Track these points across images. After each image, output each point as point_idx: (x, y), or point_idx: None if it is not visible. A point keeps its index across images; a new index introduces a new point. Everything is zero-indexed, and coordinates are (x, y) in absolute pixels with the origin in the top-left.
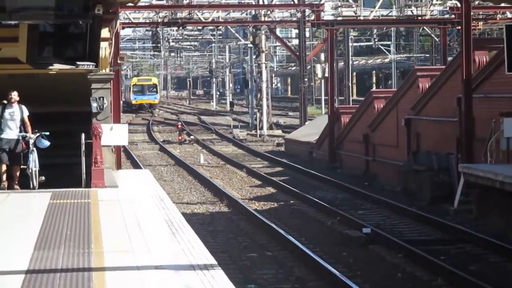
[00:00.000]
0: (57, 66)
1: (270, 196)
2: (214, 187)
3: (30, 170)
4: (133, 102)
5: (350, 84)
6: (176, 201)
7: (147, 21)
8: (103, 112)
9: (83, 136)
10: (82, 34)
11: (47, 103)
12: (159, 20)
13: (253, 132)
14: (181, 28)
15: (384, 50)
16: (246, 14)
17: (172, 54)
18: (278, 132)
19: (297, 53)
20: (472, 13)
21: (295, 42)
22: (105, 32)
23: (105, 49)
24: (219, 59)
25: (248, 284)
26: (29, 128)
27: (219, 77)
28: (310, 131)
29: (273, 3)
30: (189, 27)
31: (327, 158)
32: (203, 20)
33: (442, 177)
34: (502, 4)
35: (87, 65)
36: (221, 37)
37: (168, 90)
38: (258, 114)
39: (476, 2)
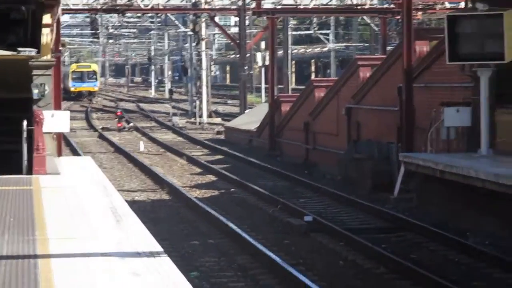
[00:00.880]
0: None
1: (210, 184)
2: (155, 175)
3: None
4: (72, 89)
5: (289, 73)
6: (116, 189)
7: (87, 7)
8: (44, 99)
9: (25, 122)
10: (23, 20)
11: None
12: (99, 7)
13: (193, 120)
14: (120, 14)
15: (323, 39)
16: (186, 1)
17: (111, 41)
18: (218, 120)
19: (237, 41)
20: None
21: (234, 30)
22: (46, 18)
23: (46, 35)
24: (158, 47)
25: (191, 272)
26: None
27: (158, 65)
28: (250, 119)
29: None
30: (128, 14)
31: (267, 146)
32: (143, 7)
33: (383, 166)
34: None
35: (29, 51)
36: (160, 24)
37: (107, 77)
38: (197, 102)
39: None
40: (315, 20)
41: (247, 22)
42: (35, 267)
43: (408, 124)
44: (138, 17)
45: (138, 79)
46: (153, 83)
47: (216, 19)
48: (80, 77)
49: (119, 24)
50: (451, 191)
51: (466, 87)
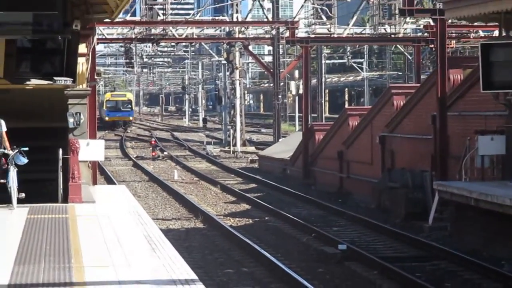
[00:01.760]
0: (34, 82)
1: (244, 213)
2: (189, 203)
3: (10, 188)
4: (106, 119)
5: (323, 101)
6: (151, 217)
7: (121, 37)
8: (80, 128)
9: (60, 151)
10: (59, 49)
11: (22, 118)
12: (134, 36)
13: (227, 148)
14: (154, 44)
15: (357, 68)
16: (220, 31)
17: (145, 70)
18: (252, 148)
19: (271, 70)
20: None
21: (268, 59)
22: (82, 48)
23: (82, 64)
24: (192, 76)
25: None
26: (7, 144)
27: (192, 94)
28: (284, 148)
29: (247, 20)
30: (163, 43)
31: (301, 175)
32: (177, 36)
33: (417, 194)
34: (476, 23)
35: (64, 80)
36: (194, 53)
37: (141, 106)
38: (231, 131)
39: (450, 21)
40: (348, 48)
41: (280, 51)
42: None
43: (442, 152)
44: (172, 46)
45: (172, 108)
46: (187, 112)
47: (250, 48)
48: (115, 106)
49: (153, 53)
50: (486, 220)
51: (500, 115)
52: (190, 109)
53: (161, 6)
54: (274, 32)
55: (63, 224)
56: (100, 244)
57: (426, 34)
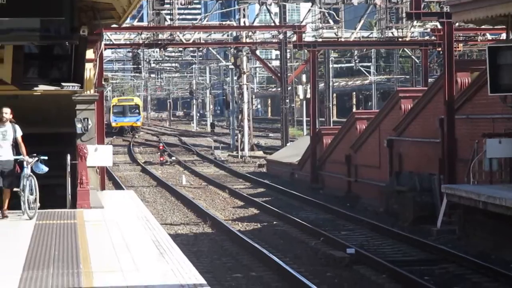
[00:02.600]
0: (42, 87)
1: (253, 217)
2: (197, 208)
3: (26, 198)
4: (113, 124)
5: (330, 105)
6: (159, 222)
7: (128, 42)
8: (88, 133)
9: (68, 157)
10: (67, 55)
11: (30, 124)
12: (141, 42)
13: (234, 153)
14: (162, 49)
15: (364, 72)
16: (227, 36)
17: (153, 75)
18: (259, 153)
19: (278, 74)
20: None
21: (275, 63)
22: (89, 53)
23: (89, 70)
24: (199, 81)
25: None
26: (23, 149)
27: (199, 99)
28: (292, 152)
29: (254, 24)
30: (170, 48)
31: (309, 179)
32: (185, 41)
33: (425, 197)
34: (483, 26)
35: (72, 86)
36: (201, 58)
37: (148, 112)
38: (239, 135)
39: (457, 24)
40: (356, 52)
41: (288, 55)
42: None
43: (450, 155)
44: (180, 51)
45: (180, 113)
46: (195, 117)
47: (257, 52)
48: (122, 111)
49: (160, 59)
50: (494, 223)
51: (508, 118)
52: (198, 114)
53: (168, 11)
54: (281, 36)
55: (72, 229)
56: (109, 249)
57: (433, 38)
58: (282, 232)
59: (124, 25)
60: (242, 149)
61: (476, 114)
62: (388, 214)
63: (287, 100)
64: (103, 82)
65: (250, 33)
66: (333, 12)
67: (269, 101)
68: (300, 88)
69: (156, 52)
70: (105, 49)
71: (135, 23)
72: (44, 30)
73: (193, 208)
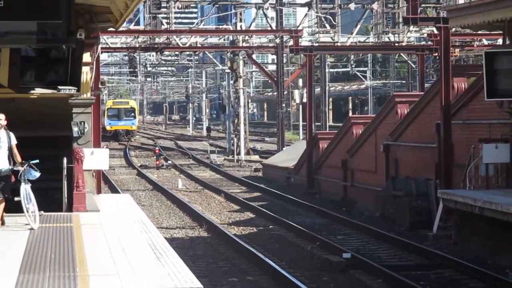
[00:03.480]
0: (38, 91)
1: (249, 221)
2: (193, 212)
3: (26, 209)
4: (108, 128)
5: (326, 110)
6: (155, 226)
7: (125, 45)
8: (84, 137)
9: (64, 160)
10: (64, 58)
11: (27, 127)
12: (137, 45)
13: (230, 157)
14: (158, 53)
15: (361, 76)
16: (224, 40)
17: (149, 79)
18: (255, 157)
19: (275, 79)
20: None
21: (271, 67)
22: (86, 57)
23: (86, 73)
24: (195, 84)
25: None
26: (18, 158)
27: (195, 102)
28: (288, 156)
29: (251, 29)
30: (166, 52)
31: (305, 184)
32: (181, 45)
33: (421, 202)
34: (480, 31)
35: (69, 89)
36: (198, 62)
37: (145, 115)
38: (235, 139)
39: (453, 29)
40: (352, 57)
41: (284, 60)
42: None
43: (446, 160)
44: (176, 55)
45: (176, 117)
46: (191, 121)
47: (254, 56)
48: (117, 114)
49: (157, 62)
50: (490, 228)
51: (505, 123)
52: (194, 118)
53: (165, 15)
54: (277, 40)
55: (68, 233)
56: (105, 253)
57: (430, 43)
58: (278, 237)
59: (120, 29)
60: (238, 153)
61: (473, 119)
62: (384, 219)
63: (283, 105)
64: (99, 86)
65: (246, 37)
66: (329, 17)
67: (265, 105)
68: (296, 93)
69: (153, 55)
70: (101, 52)
71: (132, 26)
72: (41, 33)
73: (189, 212)
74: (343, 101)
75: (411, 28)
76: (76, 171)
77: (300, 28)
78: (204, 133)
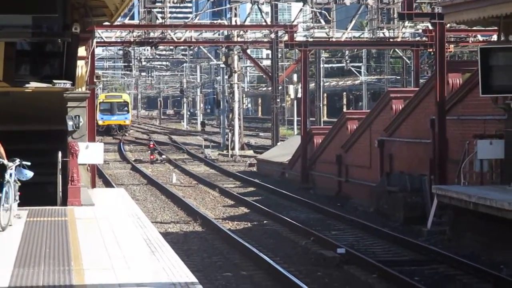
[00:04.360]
0: (33, 84)
1: (243, 216)
2: (187, 207)
3: (8, 206)
4: (100, 123)
5: (321, 105)
6: (149, 220)
7: (120, 40)
8: (79, 131)
9: (59, 154)
10: (59, 52)
11: (22, 121)
12: (132, 40)
13: (225, 152)
14: (153, 47)
15: (355, 72)
16: (219, 35)
17: (143, 73)
18: (250, 152)
19: (269, 74)
20: None
21: (266, 62)
22: (81, 51)
23: (81, 67)
24: (190, 79)
25: None
26: (3, 153)
27: (190, 97)
28: (282, 151)
29: (246, 24)
30: (161, 47)
31: (299, 179)
32: (176, 40)
33: (415, 198)
34: (475, 27)
35: (64, 83)
36: (192, 57)
37: (139, 110)
38: (229, 134)
39: (448, 25)
40: (347, 53)
41: (279, 55)
42: None
43: (441, 156)
44: (171, 49)
45: (170, 111)
46: (185, 116)
47: (248, 51)
48: (109, 109)
49: (151, 57)
50: (485, 224)
51: (499, 119)
52: (188, 113)
53: (160, 10)
54: (272, 36)
55: (63, 227)
56: (100, 247)
57: (424, 38)
58: (272, 232)
59: (115, 23)
60: (233, 148)
61: (467, 115)
62: (379, 214)
63: (278, 100)
64: (94, 80)
65: (241, 32)
66: (324, 12)
67: (260, 101)
68: (290, 88)
69: (147, 50)
70: (96, 46)
71: (127, 21)
72: (37, 27)
73: (184, 206)
74: (337, 96)
75: (406, 23)
76: (71, 165)
77: (295, 23)
78: (199, 128)
